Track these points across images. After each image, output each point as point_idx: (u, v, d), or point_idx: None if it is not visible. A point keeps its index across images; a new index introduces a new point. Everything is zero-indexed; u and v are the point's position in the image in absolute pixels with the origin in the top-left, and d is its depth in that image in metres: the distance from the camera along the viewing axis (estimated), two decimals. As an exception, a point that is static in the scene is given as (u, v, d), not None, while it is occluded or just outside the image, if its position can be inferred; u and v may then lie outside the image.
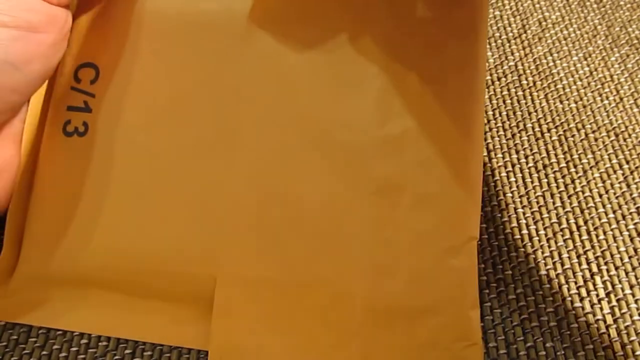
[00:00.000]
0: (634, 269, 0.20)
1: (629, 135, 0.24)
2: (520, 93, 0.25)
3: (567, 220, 0.22)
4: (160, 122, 0.19)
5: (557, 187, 0.22)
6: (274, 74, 0.19)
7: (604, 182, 0.23)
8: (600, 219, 0.22)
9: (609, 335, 0.19)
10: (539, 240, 0.21)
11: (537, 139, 0.24)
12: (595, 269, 0.20)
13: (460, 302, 0.18)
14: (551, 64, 0.27)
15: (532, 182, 0.23)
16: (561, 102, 0.25)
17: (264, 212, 0.18)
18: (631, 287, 0.20)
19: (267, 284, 0.18)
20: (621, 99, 0.25)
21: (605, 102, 0.25)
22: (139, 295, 0.19)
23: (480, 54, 0.19)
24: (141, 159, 0.19)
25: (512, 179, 0.23)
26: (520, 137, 0.24)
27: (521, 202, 0.22)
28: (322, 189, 0.18)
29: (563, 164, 0.23)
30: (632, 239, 0.21)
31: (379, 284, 0.18)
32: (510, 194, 0.22)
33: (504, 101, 0.25)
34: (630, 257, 0.21)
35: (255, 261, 0.18)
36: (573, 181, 0.23)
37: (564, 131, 0.24)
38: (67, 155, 0.19)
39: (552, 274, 0.20)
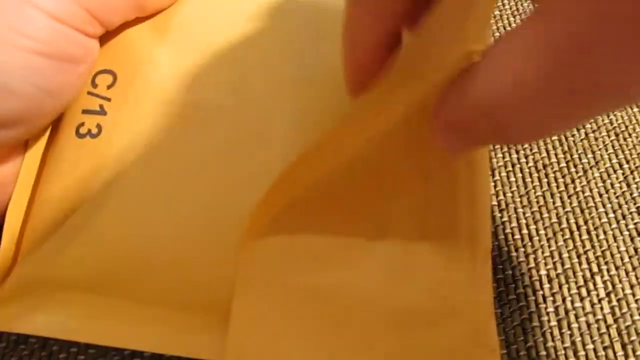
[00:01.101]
0: (634, 268, 0.20)
1: (629, 134, 0.24)
2: (520, 93, 0.25)
3: (567, 220, 0.22)
4: (178, 125, 0.19)
5: (557, 187, 0.22)
6: None
7: (604, 181, 0.23)
8: (600, 219, 0.22)
9: (609, 335, 0.19)
10: (539, 240, 0.21)
11: (537, 139, 0.24)
12: (595, 269, 0.20)
13: (479, 308, 0.17)
14: (551, 63, 0.26)
15: (532, 182, 0.23)
16: (561, 101, 0.25)
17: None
18: (632, 287, 0.20)
19: (287, 289, 0.17)
20: (621, 98, 0.25)
21: (606, 101, 0.25)
22: (146, 303, 0.18)
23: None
24: (155, 162, 0.18)
25: (512, 179, 0.23)
26: (520, 137, 0.24)
27: (521, 202, 0.22)
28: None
29: (563, 164, 0.23)
30: (632, 239, 0.21)
31: (399, 288, 0.18)
32: (510, 194, 0.22)
33: (503, 101, 0.25)
34: (630, 257, 0.21)
35: (275, 265, 0.18)
36: (573, 181, 0.23)
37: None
38: (77, 156, 0.19)
39: (552, 274, 0.20)
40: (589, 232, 0.21)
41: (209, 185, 0.18)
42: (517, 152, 0.24)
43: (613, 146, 0.24)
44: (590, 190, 0.22)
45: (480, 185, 0.18)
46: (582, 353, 0.19)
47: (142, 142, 0.18)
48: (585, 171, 0.23)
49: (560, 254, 0.21)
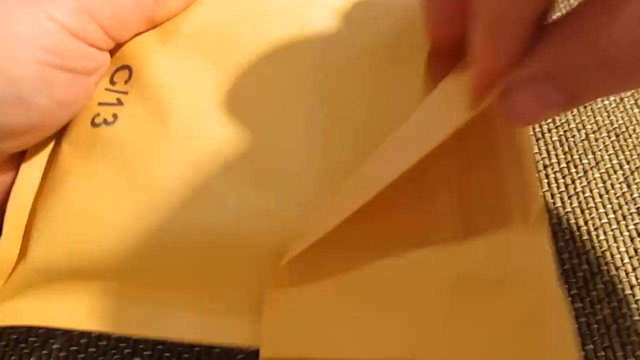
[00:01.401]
0: (634, 269, 0.20)
1: (630, 135, 0.24)
2: (520, 93, 0.25)
3: (568, 220, 0.22)
4: (195, 113, 0.18)
5: (558, 188, 0.22)
6: None
7: (604, 182, 0.23)
8: (600, 220, 0.22)
9: (609, 335, 0.19)
10: (539, 241, 0.21)
11: (537, 140, 0.24)
12: (595, 270, 0.20)
13: (542, 272, 0.15)
14: (552, 64, 0.26)
15: (532, 183, 0.23)
16: (562, 102, 0.25)
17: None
18: (632, 287, 0.20)
19: (332, 260, 0.16)
20: (622, 99, 0.25)
21: (606, 102, 0.25)
22: (168, 288, 0.17)
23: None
24: (174, 148, 0.18)
25: (513, 179, 0.23)
26: (521, 138, 0.24)
27: (521, 203, 0.22)
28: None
29: (563, 165, 0.23)
30: (632, 240, 0.21)
31: (454, 257, 0.16)
32: (510, 194, 0.22)
33: (504, 101, 0.25)
34: (630, 258, 0.21)
35: (315, 252, 0.16)
36: (573, 181, 0.23)
37: (565, 132, 0.24)
38: (92, 143, 0.18)
39: (553, 274, 0.20)
40: (589, 233, 0.21)
41: (230, 172, 0.18)
42: (518, 152, 0.24)
43: (613, 147, 0.24)
44: (591, 191, 0.22)
45: (522, 146, 0.17)
46: (582, 353, 0.19)
47: (158, 129, 0.18)
48: (585, 172, 0.23)
49: (560, 254, 0.21)
